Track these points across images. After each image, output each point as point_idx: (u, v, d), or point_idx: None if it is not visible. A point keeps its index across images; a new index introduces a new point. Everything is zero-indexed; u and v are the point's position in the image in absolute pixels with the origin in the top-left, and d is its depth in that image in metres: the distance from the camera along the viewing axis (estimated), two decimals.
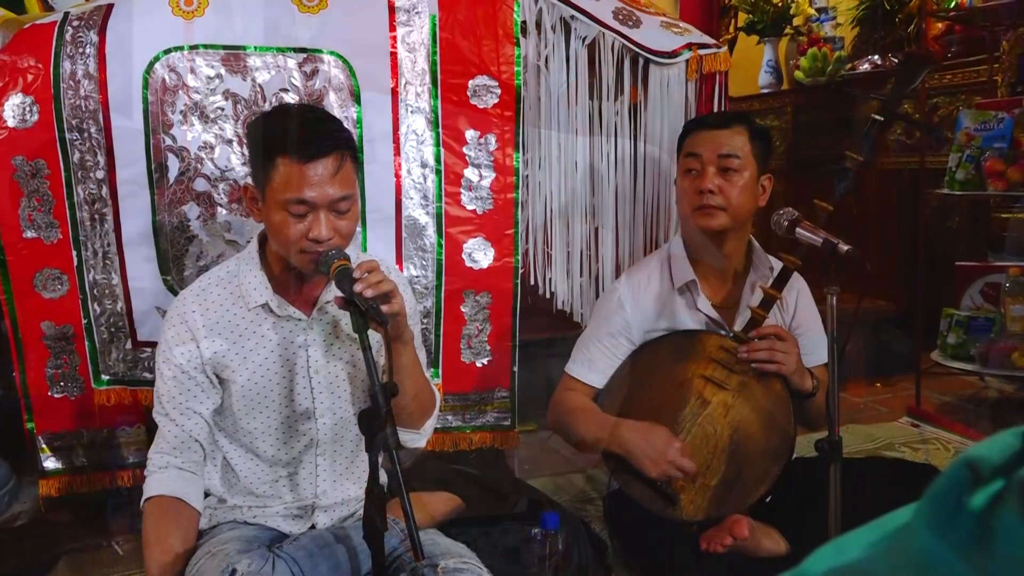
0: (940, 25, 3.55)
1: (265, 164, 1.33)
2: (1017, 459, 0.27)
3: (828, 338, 1.41)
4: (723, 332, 1.70)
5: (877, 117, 1.60)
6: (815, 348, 1.77)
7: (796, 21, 4.31)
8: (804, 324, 1.78)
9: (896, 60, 3.51)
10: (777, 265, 1.71)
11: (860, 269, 1.38)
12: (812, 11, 4.29)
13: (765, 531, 1.52)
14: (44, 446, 1.92)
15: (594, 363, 1.74)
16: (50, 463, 1.93)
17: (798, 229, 1.48)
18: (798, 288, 1.78)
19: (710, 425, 1.61)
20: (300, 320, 1.43)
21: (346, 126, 1.43)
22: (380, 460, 1.21)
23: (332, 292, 1.43)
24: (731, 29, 4.55)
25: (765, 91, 4.42)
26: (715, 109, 2.14)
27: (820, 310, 1.60)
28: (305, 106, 1.55)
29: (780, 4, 4.24)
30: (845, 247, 1.40)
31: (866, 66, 3.72)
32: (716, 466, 1.59)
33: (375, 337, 1.35)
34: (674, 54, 2.10)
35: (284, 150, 1.32)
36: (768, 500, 1.63)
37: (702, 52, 2.12)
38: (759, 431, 1.60)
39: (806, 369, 1.66)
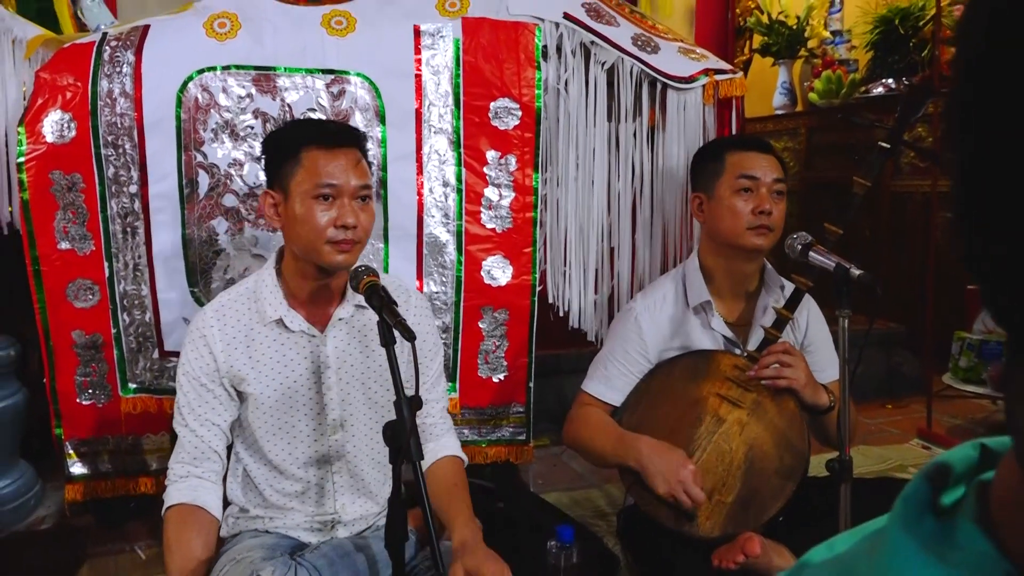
0: (954, 50, 3.58)
1: (290, 160, 1.40)
2: (975, 468, 0.32)
3: (840, 360, 1.45)
4: (737, 351, 1.74)
5: (884, 145, 1.64)
6: (827, 365, 1.81)
7: (811, 43, 4.35)
8: (815, 342, 1.82)
9: (906, 85, 3.55)
10: (788, 285, 1.75)
11: (873, 293, 1.41)
12: (827, 34, 4.34)
13: (776, 549, 1.54)
14: (71, 451, 1.97)
15: (611, 381, 1.77)
16: (76, 468, 1.98)
17: (811, 253, 1.52)
18: (808, 307, 1.82)
19: (725, 443, 1.64)
20: (314, 336, 1.46)
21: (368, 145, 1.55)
22: (402, 471, 1.25)
23: (347, 308, 1.47)
24: (746, 51, 4.59)
25: (779, 112, 4.46)
26: (731, 133, 2.18)
27: (832, 330, 1.63)
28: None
29: (795, 26, 4.29)
30: (857, 272, 1.43)
31: (880, 89, 3.76)
32: (732, 483, 1.62)
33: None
34: (691, 79, 2.15)
35: (310, 141, 1.41)
36: (780, 519, 1.65)
37: (719, 78, 2.17)
38: (773, 448, 1.63)
39: (820, 384, 1.69)
